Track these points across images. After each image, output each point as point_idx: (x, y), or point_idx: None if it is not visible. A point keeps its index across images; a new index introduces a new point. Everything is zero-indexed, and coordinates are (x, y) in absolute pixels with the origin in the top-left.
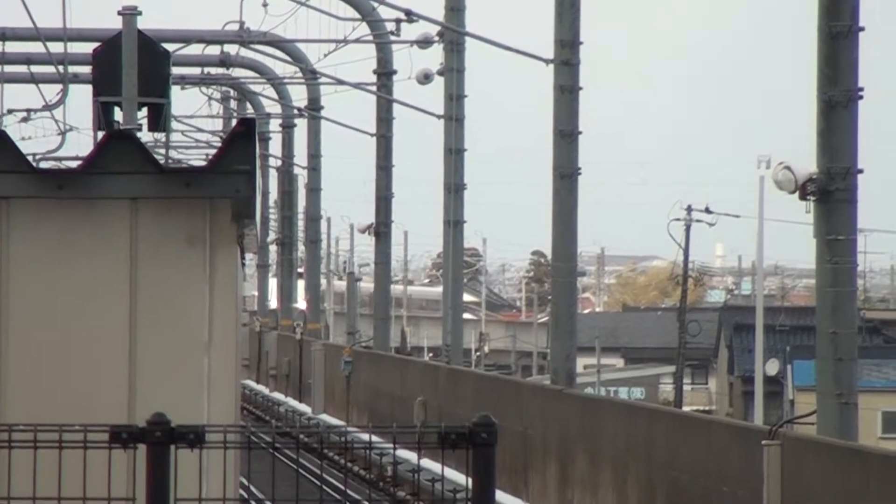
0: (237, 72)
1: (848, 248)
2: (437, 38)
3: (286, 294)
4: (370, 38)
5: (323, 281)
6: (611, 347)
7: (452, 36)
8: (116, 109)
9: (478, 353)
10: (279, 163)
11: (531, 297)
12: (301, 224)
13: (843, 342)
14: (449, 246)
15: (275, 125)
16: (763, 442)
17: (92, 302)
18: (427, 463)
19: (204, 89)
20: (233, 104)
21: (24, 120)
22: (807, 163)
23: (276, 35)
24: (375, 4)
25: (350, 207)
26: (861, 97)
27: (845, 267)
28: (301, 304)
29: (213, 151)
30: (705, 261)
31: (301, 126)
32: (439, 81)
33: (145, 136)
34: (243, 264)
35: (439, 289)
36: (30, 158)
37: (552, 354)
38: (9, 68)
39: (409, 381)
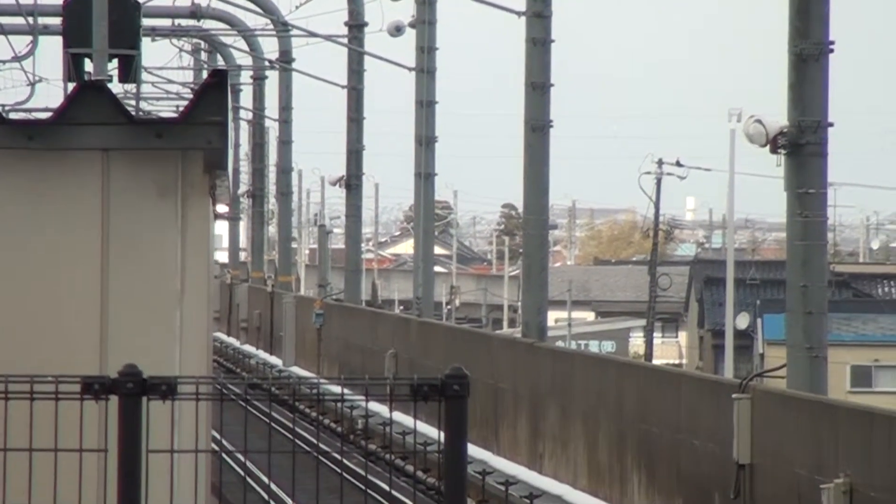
0: (208, 23)
1: (818, 201)
2: None
3: (257, 246)
4: None
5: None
6: (582, 301)
7: None
8: (87, 61)
9: (449, 307)
10: (250, 115)
11: (502, 250)
12: (272, 176)
13: (813, 296)
14: (420, 199)
15: (246, 77)
16: (733, 395)
17: (63, 253)
18: (398, 416)
19: (175, 41)
20: (204, 56)
21: None
22: (778, 116)
23: None
24: None
25: (321, 160)
26: (832, 50)
27: (816, 220)
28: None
29: (184, 103)
30: (676, 214)
31: (272, 78)
32: (411, 34)
33: (116, 87)
34: (215, 215)
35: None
36: None
37: (523, 308)
38: None
39: (380, 333)
